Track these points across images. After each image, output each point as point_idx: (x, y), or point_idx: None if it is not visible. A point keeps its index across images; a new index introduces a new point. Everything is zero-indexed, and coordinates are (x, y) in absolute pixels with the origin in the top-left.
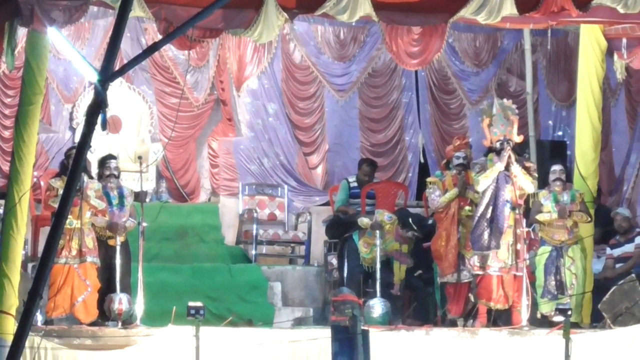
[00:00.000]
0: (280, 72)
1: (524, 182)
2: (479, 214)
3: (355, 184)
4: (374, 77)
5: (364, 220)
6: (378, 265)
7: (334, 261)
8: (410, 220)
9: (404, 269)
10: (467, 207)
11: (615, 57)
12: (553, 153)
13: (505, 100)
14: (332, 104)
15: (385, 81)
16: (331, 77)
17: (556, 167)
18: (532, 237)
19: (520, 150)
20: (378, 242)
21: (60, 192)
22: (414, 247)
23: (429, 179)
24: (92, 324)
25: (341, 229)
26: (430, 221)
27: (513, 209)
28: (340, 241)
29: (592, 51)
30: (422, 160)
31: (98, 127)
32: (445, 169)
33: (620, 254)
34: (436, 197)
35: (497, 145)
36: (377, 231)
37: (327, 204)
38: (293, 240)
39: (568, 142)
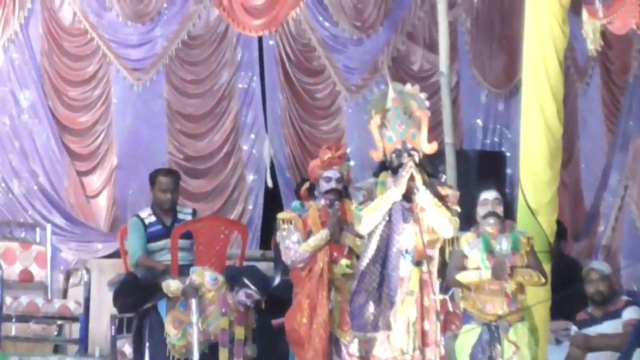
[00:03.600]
0: (39, 39)
1: (438, 218)
2: (361, 271)
3: (154, 219)
4: (192, 48)
5: (170, 285)
6: (195, 357)
7: (128, 349)
8: (242, 276)
9: None
10: (344, 261)
11: (585, 15)
12: (483, 171)
13: (408, 86)
14: (123, 92)
15: (209, 54)
16: (122, 47)
17: (488, 195)
18: (450, 309)
19: (431, 166)
20: (194, 318)
21: None
22: (257, 325)
23: (281, 215)
24: None
25: (139, 296)
26: (277, 280)
27: (417, 263)
28: (137, 316)
29: (547, 6)
30: (271, 184)
31: None
32: (309, 198)
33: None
34: (293, 243)
35: (393, 158)
36: (193, 300)
37: (116, 254)
38: (60, 314)
39: (508, 154)
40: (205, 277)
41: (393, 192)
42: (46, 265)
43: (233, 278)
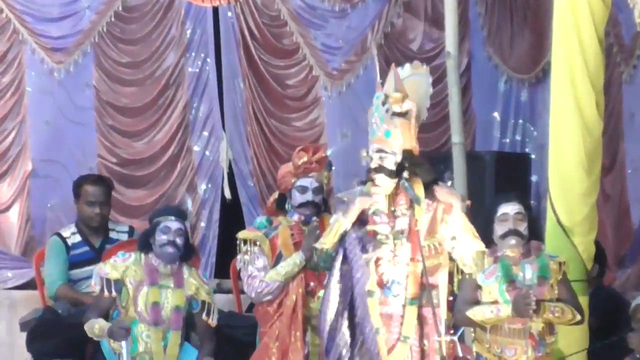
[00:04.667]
0: None
1: (467, 243)
2: (328, 327)
3: (79, 239)
4: (127, 23)
5: (94, 326)
6: None
7: None
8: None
9: None
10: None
11: None
12: (502, 178)
13: (407, 67)
14: (40, 78)
15: (149, 30)
16: (39, 21)
17: (509, 209)
18: (460, 353)
19: (429, 172)
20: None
21: None
22: None
23: (243, 234)
24: None
25: (61, 339)
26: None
27: (412, 301)
28: None
29: None
30: (229, 196)
31: None
32: (279, 212)
33: None
34: (259, 270)
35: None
36: (124, 343)
37: (31, 284)
38: None
39: (533, 157)
40: (114, 262)
41: (341, 220)
42: None
43: (143, 236)
